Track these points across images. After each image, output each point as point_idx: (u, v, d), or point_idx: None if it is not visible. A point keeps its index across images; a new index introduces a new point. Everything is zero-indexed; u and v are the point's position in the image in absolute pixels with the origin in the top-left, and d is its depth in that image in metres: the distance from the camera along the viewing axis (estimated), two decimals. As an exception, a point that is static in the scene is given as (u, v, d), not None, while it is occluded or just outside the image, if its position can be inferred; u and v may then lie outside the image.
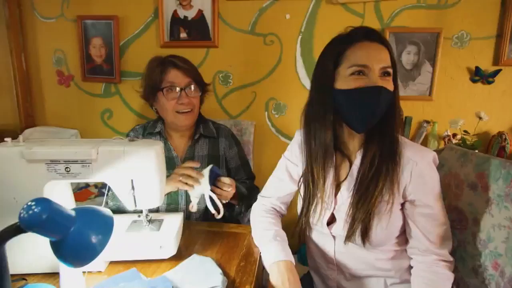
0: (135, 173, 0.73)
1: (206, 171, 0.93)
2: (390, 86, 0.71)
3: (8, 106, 1.99)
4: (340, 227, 0.79)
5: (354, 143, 0.80)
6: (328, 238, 0.84)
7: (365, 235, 0.75)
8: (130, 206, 0.76)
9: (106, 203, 1.03)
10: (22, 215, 0.50)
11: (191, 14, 1.62)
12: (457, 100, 1.56)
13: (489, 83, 1.52)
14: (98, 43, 1.77)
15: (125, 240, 0.78)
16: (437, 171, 0.76)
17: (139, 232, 0.79)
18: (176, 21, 1.64)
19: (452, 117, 1.52)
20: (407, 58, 1.55)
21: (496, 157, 0.84)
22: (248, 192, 1.14)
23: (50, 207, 0.52)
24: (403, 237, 0.81)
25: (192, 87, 1.08)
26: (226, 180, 0.95)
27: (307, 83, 1.62)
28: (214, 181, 0.94)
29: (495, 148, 1.54)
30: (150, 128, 1.17)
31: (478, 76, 1.52)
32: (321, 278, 0.93)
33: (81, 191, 1.81)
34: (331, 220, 0.83)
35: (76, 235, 0.54)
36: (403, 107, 1.47)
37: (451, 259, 0.77)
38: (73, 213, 0.56)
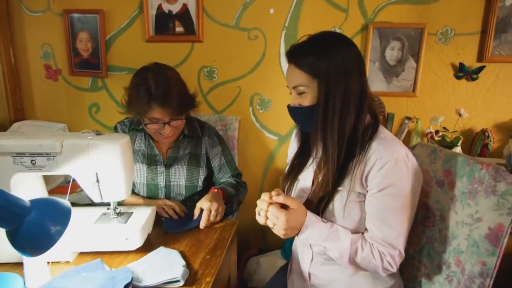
0: (100, 166, 0.74)
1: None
2: (305, 102, 0.76)
3: (2, 104, 2.00)
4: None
5: None
6: None
7: (321, 216, 0.79)
8: (95, 199, 0.77)
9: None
10: (-27, 205, 0.52)
11: (175, 8, 1.61)
12: (441, 96, 1.56)
13: (473, 79, 1.52)
14: (84, 37, 1.78)
15: (93, 231, 0.79)
16: (407, 174, 0.75)
17: (106, 224, 0.81)
18: (161, 16, 1.64)
19: (436, 114, 1.52)
20: (391, 54, 1.54)
21: (462, 154, 0.84)
22: (235, 191, 1.17)
23: (4, 196, 0.53)
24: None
25: (177, 119, 1.05)
26: (204, 219, 0.97)
27: (291, 78, 1.63)
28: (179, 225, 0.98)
29: (478, 146, 1.54)
30: (135, 124, 1.17)
31: (462, 72, 1.52)
32: (296, 262, 0.95)
33: (68, 185, 1.82)
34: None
35: (31, 224, 0.56)
36: (386, 103, 1.49)
37: (390, 260, 0.75)
38: (28, 203, 0.57)
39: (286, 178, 0.91)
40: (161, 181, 1.14)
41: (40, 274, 0.69)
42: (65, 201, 0.62)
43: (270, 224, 0.75)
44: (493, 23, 1.44)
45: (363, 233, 0.80)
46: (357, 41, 1.54)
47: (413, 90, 1.56)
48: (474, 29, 1.48)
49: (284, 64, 1.62)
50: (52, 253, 0.73)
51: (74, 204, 0.89)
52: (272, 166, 1.75)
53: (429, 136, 1.53)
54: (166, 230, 0.95)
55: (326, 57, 0.72)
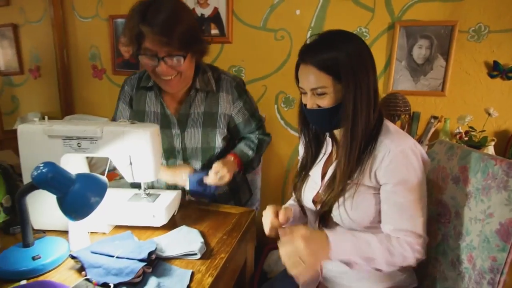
0: (132, 150, 0.85)
1: (186, 178, 1.03)
2: (325, 103, 0.75)
3: (52, 96, 2.26)
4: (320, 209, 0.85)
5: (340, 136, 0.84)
6: (313, 217, 0.91)
7: (329, 212, 0.80)
8: (128, 178, 0.88)
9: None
10: (33, 174, 0.64)
11: (207, 12, 1.73)
12: (472, 96, 1.51)
13: (509, 78, 1.45)
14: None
15: (125, 208, 0.90)
16: (416, 163, 0.75)
17: (137, 202, 0.91)
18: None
19: (464, 113, 1.47)
20: (419, 52, 1.52)
21: (477, 150, 0.84)
22: (256, 152, 1.13)
23: (54, 169, 0.64)
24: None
25: (174, 55, 0.90)
26: (210, 175, 0.98)
27: (315, 77, 1.66)
28: (200, 182, 1.01)
29: (511, 149, 1.47)
30: (144, 81, 1.06)
31: (497, 71, 1.46)
32: None
33: (109, 173, 2.01)
34: (319, 200, 0.87)
35: (75, 193, 0.67)
36: (413, 103, 1.48)
37: (418, 247, 0.74)
38: (73, 176, 0.68)
39: (298, 175, 0.93)
40: (177, 144, 1.07)
41: (82, 240, 0.80)
42: (103, 177, 0.73)
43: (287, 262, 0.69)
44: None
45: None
46: (383, 40, 1.54)
47: (442, 89, 1.52)
48: (510, 26, 1.42)
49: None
50: (91, 224, 0.85)
51: None
52: (296, 162, 1.80)
53: (457, 136, 1.48)
54: (191, 189, 0.99)
55: (344, 52, 0.71)
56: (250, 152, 1.10)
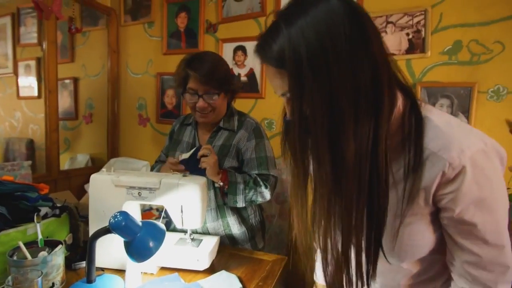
0: (184, 200, 0.98)
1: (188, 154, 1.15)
2: (289, 111, 0.54)
3: (101, 139, 2.53)
4: None
5: None
6: None
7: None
8: (178, 225, 1.01)
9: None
10: (110, 221, 0.78)
11: (244, 71, 1.95)
12: (497, 152, 1.56)
13: (533, 136, 1.50)
14: (170, 94, 2.22)
15: (172, 251, 1.02)
16: (492, 169, 0.51)
17: (183, 247, 1.03)
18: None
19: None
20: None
21: None
22: (246, 185, 1.15)
23: (128, 218, 0.79)
24: (431, 261, 0.62)
25: (211, 93, 1.13)
26: (203, 148, 1.11)
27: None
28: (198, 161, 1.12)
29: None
30: (186, 119, 1.35)
31: (519, 129, 1.52)
32: None
33: (146, 213, 2.17)
34: None
35: (141, 239, 0.80)
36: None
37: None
38: (140, 223, 0.82)
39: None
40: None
41: (135, 280, 0.92)
42: (162, 225, 0.87)
43: None
44: (550, 82, 1.46)
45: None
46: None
47: (466, 145, 1.59)
48: (529, 87, 1.50)
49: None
50: (142, 265, 0.97)
51: None
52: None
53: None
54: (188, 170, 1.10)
55: (290, 34, 0.48)
56: (239, 179, 1.14)
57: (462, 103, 1.59)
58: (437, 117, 0.54)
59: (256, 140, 1.22)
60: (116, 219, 0.77)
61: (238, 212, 1.27)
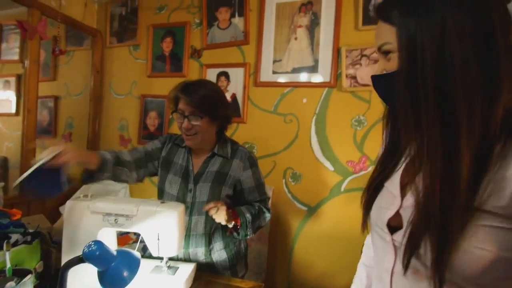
0: (161, 228, 0.98)
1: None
2: (392, 66, 0.54)
3: (79, 160, 2.47)
4: (402, 236, 0.54)
5: None
6: (389, 249, 0.59)
7: (439, 257, 0.47)
8: (154, 253, 1.00)
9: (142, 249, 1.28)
10: (84, 250, 0.77)
11: (226, 96, 2.00)
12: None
13: None
14: (153, 115, 2.23)
15: (148, 280, 1.00)
16: None
17: (159, 275, 1.02)
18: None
19: None
20: (412, 139, 1.71)
21: None
22: (254, 216, 1.21)
23: (102, 247, 0.78)
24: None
25: (196, 115, 1.16)
26: (209, 204, 1.09)
27: (320, 156, 1.84)
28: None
29: None
30: (179, 141, 1.33)
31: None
32: None
33: (123, 236, 2.11)
34: (398, 224, 0.57)
35: (115, 268, 0.79)
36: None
37: None
38: (115, 253, 0.82)
39: (368, 187, 0.66)
40: (188, 198, 1.23)
41: (108, 310, 0.90)
42: (137, 253, 0.86)
43: None
44: None
45: None
46: (379, 127, 1.75)
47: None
48: None
49: (315, 144, 1.86)
50: (117, 294, 0.95)
51: None
52: (302, 234, 1.88)
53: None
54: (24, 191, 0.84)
55: (414, 6, 0.51)
56: (247, 214, 1.20)
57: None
58: None
59: (252, 169, 1.29)
60: (90, 249, 0.77)
61: (224, 238, 1.28)
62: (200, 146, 1.26)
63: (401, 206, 0.57)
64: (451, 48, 0.47)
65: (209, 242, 1.24)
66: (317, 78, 1.83)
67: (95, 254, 0.76)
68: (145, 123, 2.26)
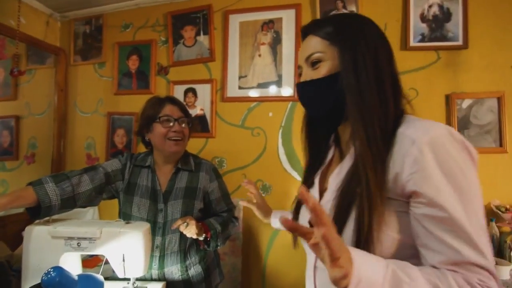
0: (126, 249, 0.98)
1: None
2: (320, 73, 0.62)
3: (44, 182, 2.38)
4: None
5: (345, 134, 0.67)
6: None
7: (357, 245, 0.54)
8: (120, 274, 1.00)
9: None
10: (43, 277, 0.76)
11: (194, 112, 2.03)
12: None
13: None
14: (121, 133, 2.21)
15: (114, 303, 0.99)
16: (457, 152, 0.52)
17: (125, 297, 1.01)
18: (183, 117, 2.06)
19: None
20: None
21: None
22: (223, 226, 1.26)
23: (62, 273, 0.78)
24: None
25: (185, 120, 1.27)
26: (177, 222, 1.11)
27: (288, 167, 1.90)
28: None
29: None
30: (140, 161, 1.28)
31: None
32: None
33: (92, 258, 2.04)
34: None
35: (76, 295, 0.79)
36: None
37: (491, 273, 0.49)
38: (76, 278, 0.81)
39: (297, 196, 0.75)
40: (160, 218, 1.21)
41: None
42: (100, 277, 0.86)
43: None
44: (455, 121, 1.72)
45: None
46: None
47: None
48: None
49: (282, 155, 1.92)
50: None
51: None
52: (274, 245, 1.92)
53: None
54: None
55: (349, 25, 0.62)
56: (217, 225, 1.24)
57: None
58: (416, 117, 0.61)
59: (218, 180, 1.35)
60: (49, 276, 0.76)
61: (199, 252, 1.28)
62: (179, 156, 1.29)
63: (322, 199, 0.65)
64: (382, 58, 0.61)
65: (185, 259, 1.24)
66: (281, 92, 1.90)
67: (54, 281, 0.76)
68: (113, 141, 2.23)
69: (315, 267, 0.67)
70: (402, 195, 0.54)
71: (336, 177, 0.63)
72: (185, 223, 1.11)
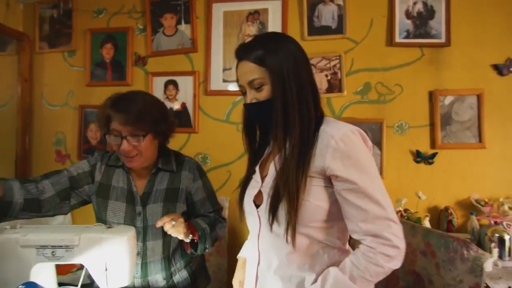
0: (109, 257, 0.89)
1: None
2: (263, 95, 0.77)
3: (6, 181, 2.17)
4: (264, 207, 0.80)
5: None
6: (255, 220, 0.85)
7: (275, 211, 0.76)
8: (102, 285, 0.90)
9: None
10: (13, 296, 0.66)
11: (175, 106, 1.93)
12: (404, 178, 1.79)
13: (430, 164, 1.77)
14: (94, 128, 2.05)
15: (95, 316, 0.90)
16: (360, 143, 0.74)
17: (108, 307, 0.92)
18: (163, 111, 1.95)
19: (403, 194, 1.73)
20: (358, 143, 1.82)
21: (436, 230, 1.07)
22: (211, 227, 1.16)
23: (36, 290, 0.68)
24: (329, 228, 0.77)
25: (136, 135, 1.03)
26: (163, 219, 0.98)
27: (274, 163, 1.86)
28: None
29: (443, 222, 1.72)
30: (114, 160, 1.15)
31: (420, 158, 1.78)
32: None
33: (67, 265, 1.89)
34: (260, 203, 0.83)
35: (53, 313, 0.69)
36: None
37: (396, 243, 0.69)
38: (53, 294, 0.71)
39: (241, 183, 0.95)
40: (138, 222, 1.09)
41: None
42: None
43: None
44: (438, 117, 1.76)
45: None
46: (328, 133, 1.83)
47: (381, 173, 1.79)
48: (423, 122, 1.79)
49: (268, 151, 1.87)
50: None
51: (69, 284, 1.01)
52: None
53: (398, 214, 1.71)
54: None
55: (274, 49, 0.76)
56: (204, 225, 1.14)
57: (375, 136, 1.80)
58: (332, 119, 0.82)
59: (202, 179, 1.23)
60: (20, 294, 0.66)
61: (184, 256, 1.18)
62: (144, 166, 1.12)
63: (262, 186, 0.84)
64: (304, 73, 0.77)
65: (169, 265, 1.13)
66: (267, 86, 1.84)
67: (27, 299, 0.66)
68: (86, 136, 2.07)
69: (259, 236, 0.85)
70: (325, 175, 0.75)
71: (273, 167, 0.82)
72: (171, 221, 0.99)
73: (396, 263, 0.70)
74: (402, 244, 0.70)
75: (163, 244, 1.11)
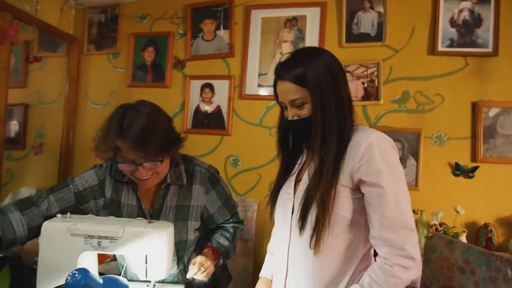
0: (150, 250, 0.93)
1: None
2: (304, 112, 0.81)
3: (51, 172, 2.33)
4: (295, 214, 0.84)
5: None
6: (286, 230, 0.87)
7: (305, 216, 0.80)
8: (141, 276, 0.95)
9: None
10: (68, 280, 0.71)
11: (210, 108, 1.98)
12: (441, 191, 1.72)
13: (470, 177, 1.69)
14: (133, 126, 2.15)
15: (134, 306, 0.95)
16: (389, 149, 0.77)
17: (146, 299, 0.96)
18: (198, 113, 2.01)
19: (438, 207, 1.66)
20: (393, 152, 1.77)
21: (476, 246, 1.03)
22: (232, 240, 1.15)
23: (87, 276, 0.73)
24: (355, 238, 0.80)
25: (152, 161, 0.95)
26: (193, 269, 0.97)
27: (305, 169, 1.86)
28: None
29: (482, 239, 1.63)
30: (117, 175, 1.07)
31: (459, 171, 1.70)
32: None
33: (101, 255, 1.99)
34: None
35: (101, 298, 0.74)
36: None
37: (412, 254, 0.71)
38: (101, 281, 0.76)
39: (272, 191, 0.97)
40: None
41: None
42: (124, 280, 0.81)
43: None
44: (480, 130, 1.67)
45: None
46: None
47: (416, 185, 1.73)
48: (464, 134, 1.71)
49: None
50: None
51: (102, 274, 1.05)
52: (287, 248, 1.87)
53: (433, 228, 1.64)
54: None
55: (312, 67, 0.78)
56: (227, 243, 1.13)
57: (411, 146, 1.75)
58: (361, 126, 0.84)
59: (215, 188, 1.13)
60: (74, 278, 0.71)
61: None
62: (158, 182, 1.05)
63: (294, 197, 0.87)
64: (341, 87, 0.80)
65: (185, 276, 1.08)
66: (302, 92, 1.85)
67: (80, 284, 0.71)
68: (125, 134, 2.17)
69: (288, 248, 0.87)
70: (353, 183, 0.77)
71: (306, 175, 0.85)
72: (202, 269, 0.98)
73: (413, 273, 0.71)
74: (417, 254, 0.71)
75: (178, 262, 1.10)
